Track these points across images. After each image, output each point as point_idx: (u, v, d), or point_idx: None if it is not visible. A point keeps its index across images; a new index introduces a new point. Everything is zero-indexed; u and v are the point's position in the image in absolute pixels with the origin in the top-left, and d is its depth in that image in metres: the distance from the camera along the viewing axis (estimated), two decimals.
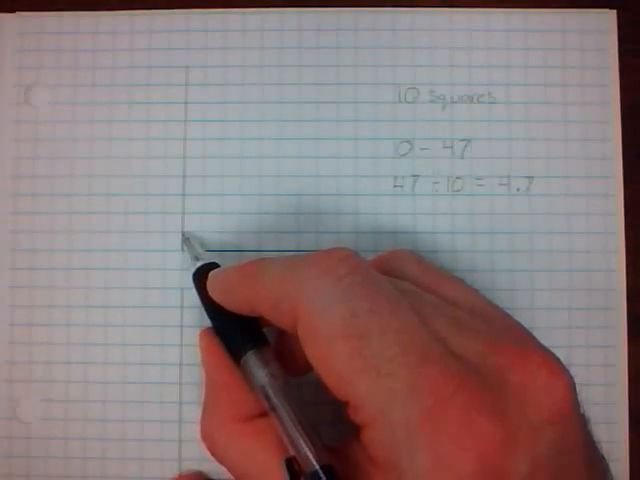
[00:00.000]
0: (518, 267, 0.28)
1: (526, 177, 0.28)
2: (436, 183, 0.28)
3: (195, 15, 0.29)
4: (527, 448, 0.16)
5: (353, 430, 0.19)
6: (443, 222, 0.28)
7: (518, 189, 0.28)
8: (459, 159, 0.28)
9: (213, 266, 0.25)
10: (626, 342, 0.27)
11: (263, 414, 0.21)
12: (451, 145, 0.28)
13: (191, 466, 0.27)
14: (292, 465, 0.19)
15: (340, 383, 0.18)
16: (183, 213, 0.28)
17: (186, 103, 0.28)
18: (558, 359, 0.18)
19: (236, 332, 0.23)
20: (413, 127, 0.28)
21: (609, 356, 0.27)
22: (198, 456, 0.27)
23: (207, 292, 0.23)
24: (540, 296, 0.28)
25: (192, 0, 0.29)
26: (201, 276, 0.24)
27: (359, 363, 0.17)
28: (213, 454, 0.22)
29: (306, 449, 0.19)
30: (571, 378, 0.18)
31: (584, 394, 0.19)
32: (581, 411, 0.18)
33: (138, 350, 0.28)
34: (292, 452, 0.19)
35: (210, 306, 0.23)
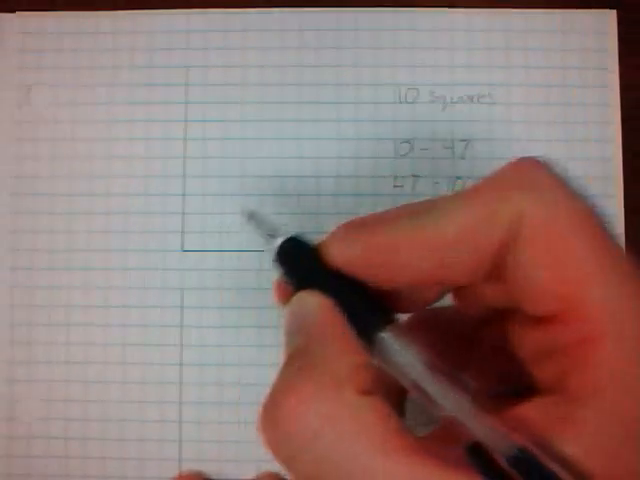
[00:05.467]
0: None
1: None
2: (436, 183, 0.28)
3: (195, 15, 0.29)
4: None
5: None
6: None
7: None
8: (459, 159, 0.28)
9: (299, 240, 0.19)
10: None
11: (374, 392, 0.16)
12: (451, 145, 0.28)
13: (191, 466, 0.27)
14: (478, 452, 0.15)
15: (570, 286, 0.15)
16: (183, 213, 0.28)
17: (186, 103, 0.28)
18: None
19: (365, 305, 0.17)
20: (413, 127, 0.28)
21: None
22: (198, 456, 0.27)
23: (310, 265, 0.18)
24: None
25: (192, 0, 0.29)
26: (292, 252, 0.19)
27: (607, 260, 0.15)
28: (289, 438, 0.15)
29: (496, 430, 0.15)
30: None
31: None
32: None
33: (138, 350, 0.28)
34: (477, 437, 0.15)
35: (321, 280, 0.18)
